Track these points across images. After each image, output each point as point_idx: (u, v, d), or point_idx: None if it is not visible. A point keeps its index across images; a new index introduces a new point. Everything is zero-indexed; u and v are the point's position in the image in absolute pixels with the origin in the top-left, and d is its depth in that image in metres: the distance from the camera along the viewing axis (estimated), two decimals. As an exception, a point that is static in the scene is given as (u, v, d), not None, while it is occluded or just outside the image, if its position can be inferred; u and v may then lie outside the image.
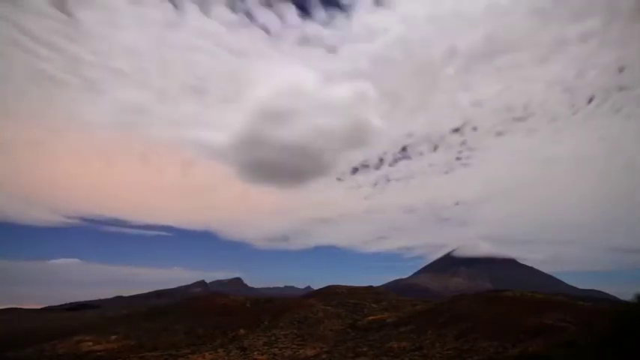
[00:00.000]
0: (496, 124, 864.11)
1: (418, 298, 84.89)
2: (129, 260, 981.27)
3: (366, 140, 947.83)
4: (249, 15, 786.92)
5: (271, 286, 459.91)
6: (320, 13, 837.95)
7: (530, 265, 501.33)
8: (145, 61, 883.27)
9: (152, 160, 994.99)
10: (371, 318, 51.17)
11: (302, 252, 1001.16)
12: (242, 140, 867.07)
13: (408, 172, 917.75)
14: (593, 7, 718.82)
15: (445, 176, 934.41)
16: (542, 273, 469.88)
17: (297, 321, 52.42)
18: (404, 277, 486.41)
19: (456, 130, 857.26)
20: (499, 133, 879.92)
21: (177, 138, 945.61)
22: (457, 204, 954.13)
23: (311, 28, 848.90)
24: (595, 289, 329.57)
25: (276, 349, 38.74)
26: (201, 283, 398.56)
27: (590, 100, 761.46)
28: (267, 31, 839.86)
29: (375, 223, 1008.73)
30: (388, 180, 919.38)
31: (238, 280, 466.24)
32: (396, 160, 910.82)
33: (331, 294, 73.16)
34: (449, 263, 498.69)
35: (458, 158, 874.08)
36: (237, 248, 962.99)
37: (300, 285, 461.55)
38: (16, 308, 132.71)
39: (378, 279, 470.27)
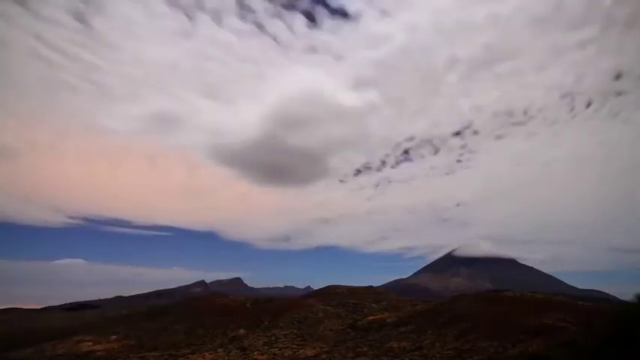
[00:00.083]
0: (496, 128, 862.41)
1: (418, 298, 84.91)
2: (129, 260, 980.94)
3: (369, 143, 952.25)
4: (259, 25, 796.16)
5: (271, 286, 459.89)
6: (327, 22, 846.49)
7: (530, 265, 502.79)
8: (158, 68, 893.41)
9: (159, 162, 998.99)
10: (371, 318, 51.16)
11: (303, 252, 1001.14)
12: (249, 144, 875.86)
13: (409, 174, 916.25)
14: (590, 16, 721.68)
15: (446, 178, 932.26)
16: (542, 273, 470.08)
17: (297, 321, 52.43)
18: (404, 277, 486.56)
19: (457, 134, 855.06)
20: (499, 137, 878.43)
21: (186, 142, 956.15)
22: (457, 205, 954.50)
23: (318, 36, 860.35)
24: (595, 289, 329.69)
25: (276, 349, 38.73)
26: (202, 283, 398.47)
27: (589, 105, 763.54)
28: (276, 39, 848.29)
29: (377, 223, 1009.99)
30: (390, 182, 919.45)
31: (238, 280, 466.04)
32: (398, 163, 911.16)
33: (331, 294, 73.17)
34: (449, 263, 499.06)
35: (458, 161, 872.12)
36: (238, 248, 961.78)
37: (300, 285, 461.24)
38: (16, 308, 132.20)
39: (378, 279, 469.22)
